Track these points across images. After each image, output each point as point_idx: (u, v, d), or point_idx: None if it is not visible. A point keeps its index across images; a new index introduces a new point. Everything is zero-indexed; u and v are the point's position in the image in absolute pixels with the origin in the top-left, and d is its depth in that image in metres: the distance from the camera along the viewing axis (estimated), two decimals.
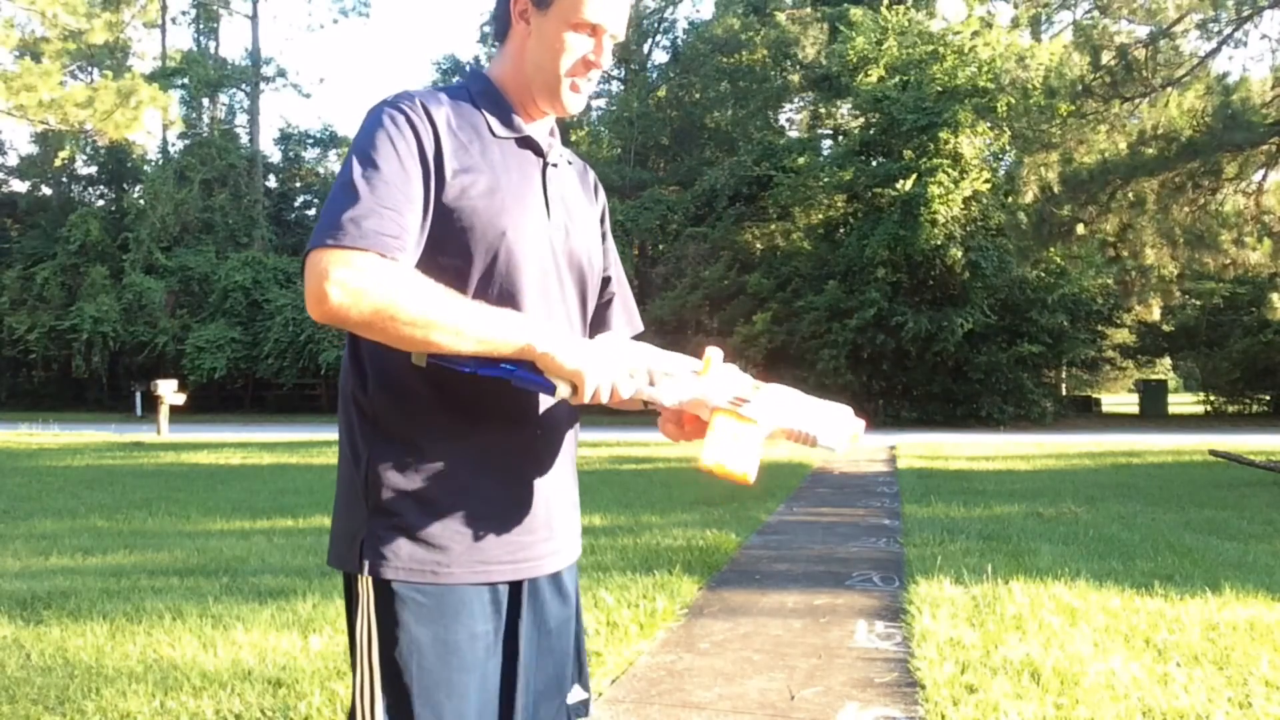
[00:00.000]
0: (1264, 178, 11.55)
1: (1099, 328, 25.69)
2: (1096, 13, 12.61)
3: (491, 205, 1.28)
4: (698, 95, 30.71)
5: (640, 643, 3.62)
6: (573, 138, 28.60)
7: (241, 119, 36.91)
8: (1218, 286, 22.37)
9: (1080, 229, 12.31)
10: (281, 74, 38.07)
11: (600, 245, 1.50)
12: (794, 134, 29.28)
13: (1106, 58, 11.35)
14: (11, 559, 5.48)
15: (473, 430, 1.29)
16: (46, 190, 35.16)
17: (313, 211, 37.05)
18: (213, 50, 36.65)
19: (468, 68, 35.20)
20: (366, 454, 1.28)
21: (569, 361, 1.19)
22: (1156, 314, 16.69)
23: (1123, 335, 28.16)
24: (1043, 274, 21.33)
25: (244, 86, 35.97)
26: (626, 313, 1.54)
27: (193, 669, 3.26)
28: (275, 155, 37.47)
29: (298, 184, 37.91)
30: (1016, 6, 23.02)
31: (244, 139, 35.81)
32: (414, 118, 1.27)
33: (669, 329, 27.69)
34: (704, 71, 29.41)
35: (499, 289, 1.29)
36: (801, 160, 23.62)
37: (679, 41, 32.70)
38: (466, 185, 1.27)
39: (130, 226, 31.28)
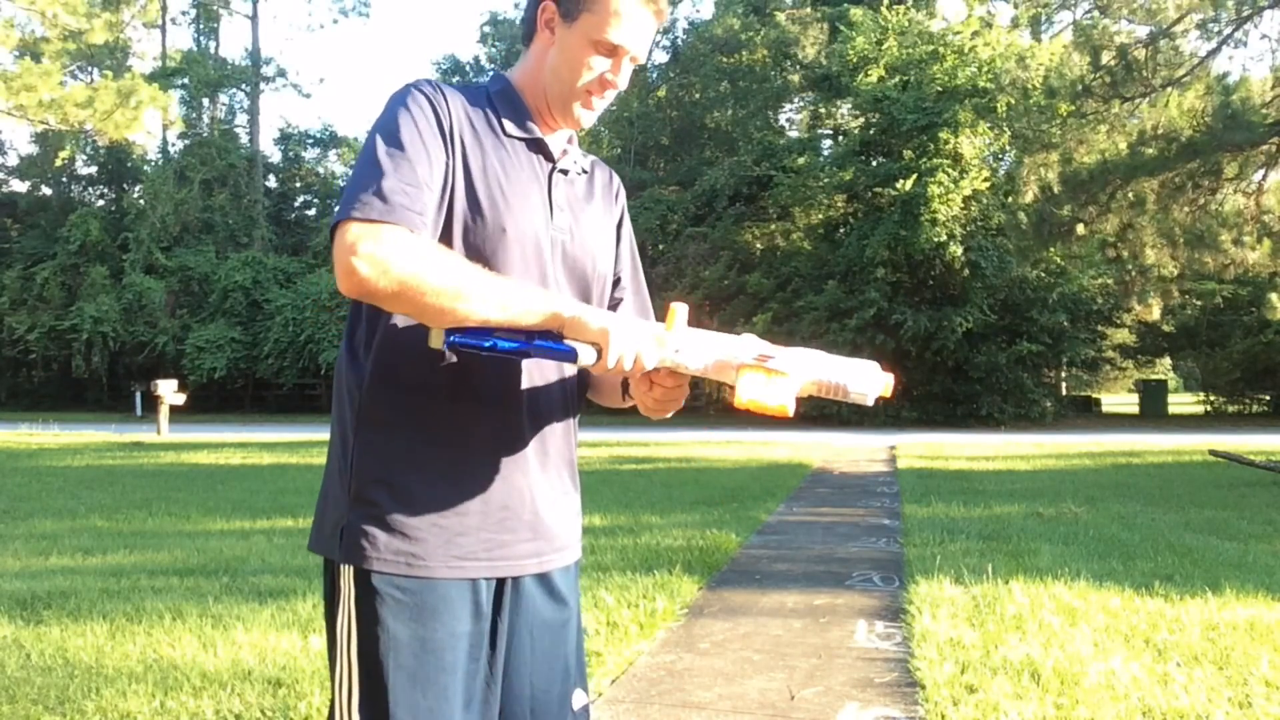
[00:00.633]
0: (1264, 178, 11.54)
1: (1099, 327, 25.69)
2: (1096, 13, 12.62)
3: (495, 203, 1.30)
4: (698, 95, 30.71)
5: (640, 643, 3.62)
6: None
7: (241, 119, 36.97)
8: (1218, 287, 22.36)
9: (1080, 229, 12.31)
10: (281, 74, 38.20)
11: (613, 249, 1.51)
12: (794, 134, 29.28)
13: (1106, 58, 11.35)
14: (11, 559, 5.48)
15: (458, 427, 1.29)
16: (46, 190, 35.17)
17: (313, 211, 37.09)
18: (213, 50, 36.67)
19: (468, 68, 35.22)
20: (353, 443, 1.30)
21: (595, 322, 1.18)
22: (1156, 314, 16.69)
23: (1123, 335, 28.16)
24: (1043, 274, 21.34)
25: (244, 86, 35.99)
26: (641, 312, 1.54)
27: (193, 669, 3.26)
28: (275, 155, 37.55)
29: (298, 184, 37.95)
30: (1016, 6, 23.05)
31: (244, 139, 35.84)
32: (437, 103, 1.30)
33: None
34: (704, 71, 29.41)
35: None
36: (801, 160, 23.62)
37: (679, 41, 32.69)
38: (475, 180, 1.29)
39: (130, 226, 31.28)
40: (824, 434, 17.60)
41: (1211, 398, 28.74)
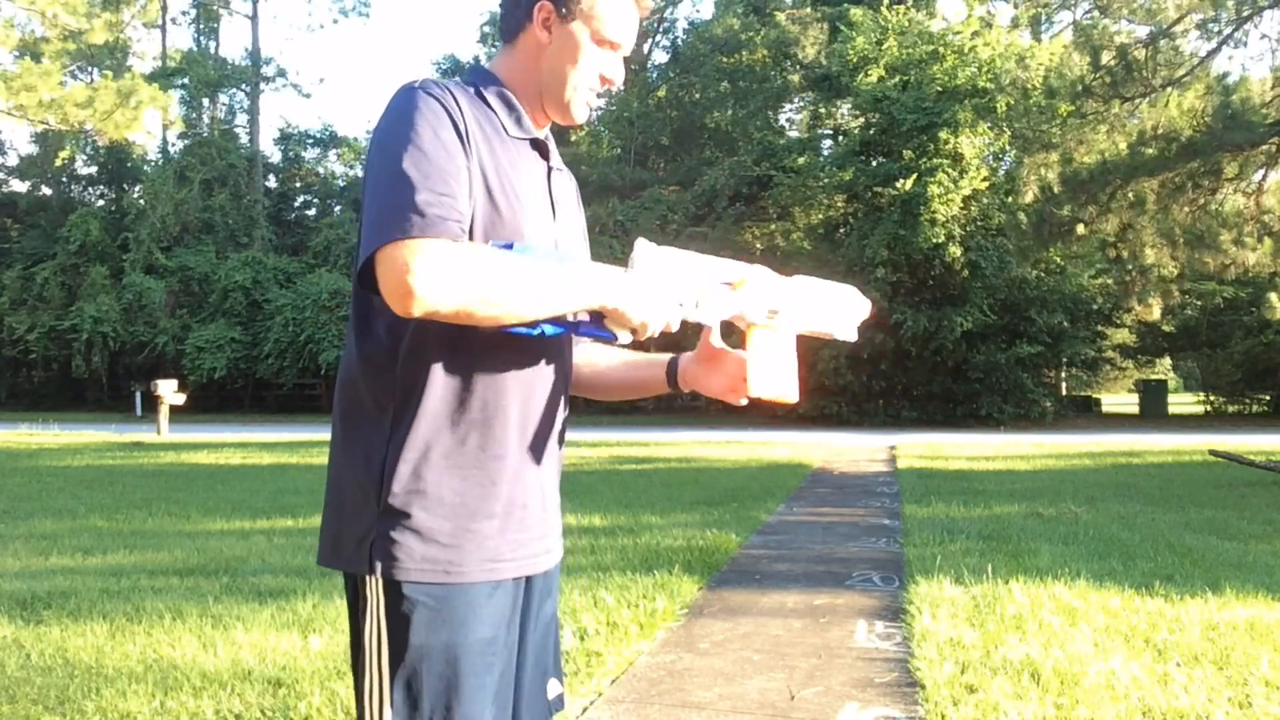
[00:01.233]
0: (1264, 178, 11.54)
1: (1099, 328, 25.69)
2: (1096, 13, 12.62)
3: (512, 204, 1.29)
4: (698, 95, 30.69)
5: (640, 643, 3.62)
6: (572, 138, 28.55)
7: (241, 119, 36.97)
8: (1218, 288, 22.37)
9: (1080, 229, 12.31)
10: (281, 74, 38.18)
11: (587, 246, 1.55)
12: (794, 134, 29.27)
13: (1106, 58, 11.34)
14: (11, 559, 5.48)
15: (487, 432, 1.29)
16: (46, 190, 35.16)
17: (313, 211, 37.09)
18: (213, 50, 36.67)
19: (468, 66, 35.16)
20: (384, 454, 1.27)
21: (636, 316, 1.24)
22: (1157, 314, 16.68)
23: (1123, 335, 28.16)
24: (1042, 274, 21.34)
25: (244, 86, 35.99)
26: None
27: (193, 669, 3.26)
28: (275, 155, 37.52)
29: (298, 184, 37.94)
30: (1016, 6, 23.06)
31: (244, 139, 35.83)
32: (448, 104, 1.26)
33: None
34: (704, 71, 29.40)
35: None
36: (801, 160, 23.61)
37: (679, 41, 32.68)
38: (491, 182, 1.28)
39: (130, 226, 31.28)
40: (824, 434, 17.60)
41: (1211, 398, 28.73)
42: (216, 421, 24.92)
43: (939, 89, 21.80)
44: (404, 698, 1.23)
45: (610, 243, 23.34)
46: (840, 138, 27.07)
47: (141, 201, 32.70)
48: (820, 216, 24.22)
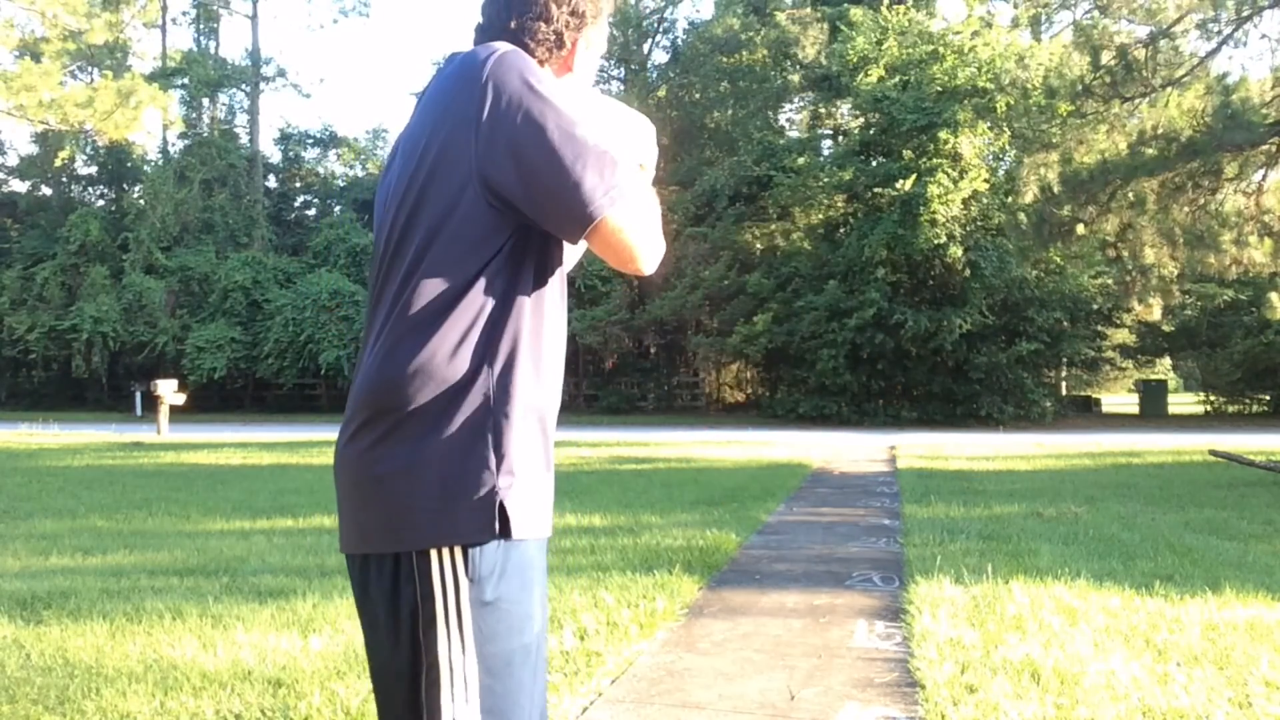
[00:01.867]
0: (1264, 178, 11.53)
1: (1099, 327, 25.70)
2: (1096, 13, 12.60)
3: None
4: (698, 95, 30.69)
5: (640, 643, 3.62)
6: None
7: (241, 119, 36.96)
8: (1219, 289, 22.37)
9: (1080, 229, 12.30)
10: (281, 74, 38.04)
11: None
12: (794, 134, 29.25)
13: (1106, 58, 11.34)
14: (11, 559, 5.48)
15: (545, 398, 1.37)
16: (46, 190, 35.16)
17: (313, 211, 37.08)
18: (213, 50, 36.64)
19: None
20: (489, 425, 1.30)
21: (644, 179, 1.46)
22: (1157, 314, 16.69)
23: (1123, 335, 28.16)
24: (1042, 274, 21.34)
25: (244, 86, 35.98)
26: None
27: (193, 669, 3.26)
28: (275, 155, 37.53)
29: (298, 184, 37.95)
30: (1016, 6, 23.01)
31: (244, 139, 35.82)
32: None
33: (669, 329, 27.70)
34: (704, 71, 29.39)
35: (553, 274, 1.41)
36: (801, 160, 23.62)
37: (679, 41, 32.67)
38: None
39: (130, 226, 31.28)
40: (824, 434, 17.60)
41: (1211, 398, 28.72)
42: (216, 421, 24.92)
43: (939, 89, 21.80)
44: (497, 665, 1.29)
45: None
46: (840, 138, 27.07)
47: (141, 201, 32.69)
48: (820, 216, 24.23)
